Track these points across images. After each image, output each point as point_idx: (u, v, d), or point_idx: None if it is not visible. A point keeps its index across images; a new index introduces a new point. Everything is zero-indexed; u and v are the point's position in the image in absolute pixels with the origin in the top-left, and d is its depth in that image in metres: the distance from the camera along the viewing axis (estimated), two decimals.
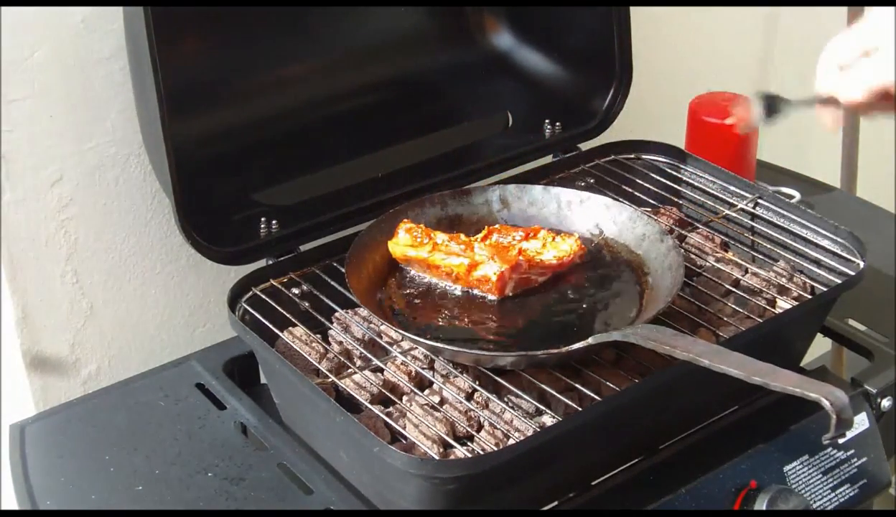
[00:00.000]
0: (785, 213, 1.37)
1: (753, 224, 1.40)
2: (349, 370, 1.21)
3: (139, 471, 1.17)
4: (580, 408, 1.10)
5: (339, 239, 1.32)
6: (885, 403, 1.28)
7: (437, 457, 1.08)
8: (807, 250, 1.33)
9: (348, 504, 1.13)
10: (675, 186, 1.47)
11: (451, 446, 1.11)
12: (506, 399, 1.16)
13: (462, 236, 1.29)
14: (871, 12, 1.07)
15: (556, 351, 1.12)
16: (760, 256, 1.38)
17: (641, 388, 1.12)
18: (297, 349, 1.21)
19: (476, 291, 1.25)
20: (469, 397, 1.17)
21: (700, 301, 1.27)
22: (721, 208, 1.42)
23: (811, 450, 1.22)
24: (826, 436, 0.97)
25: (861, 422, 1.26)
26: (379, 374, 1.21)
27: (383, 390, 1.17)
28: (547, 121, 1.53)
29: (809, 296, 1.27)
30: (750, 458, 1.19)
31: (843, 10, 2.06)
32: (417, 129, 1.48)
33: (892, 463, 1.32)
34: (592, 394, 1.12)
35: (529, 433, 1.09)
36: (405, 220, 1.30)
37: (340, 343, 1.25)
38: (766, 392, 1.04)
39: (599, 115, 1.55)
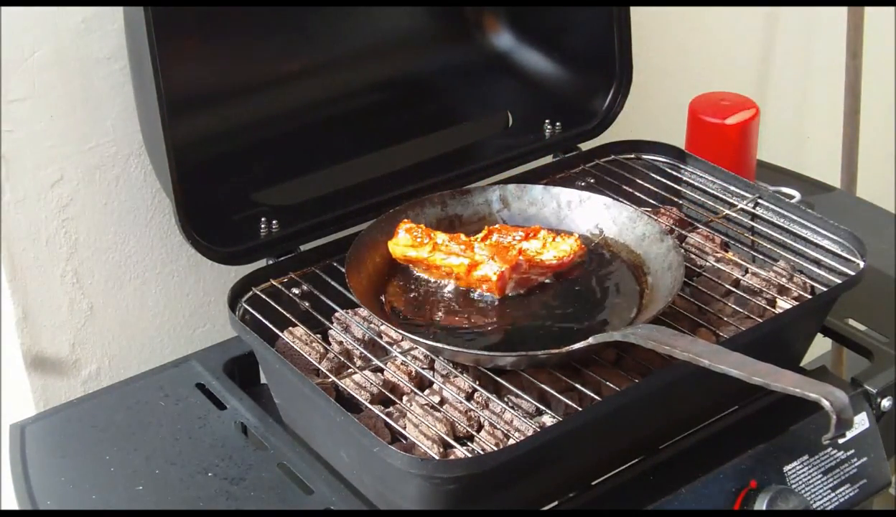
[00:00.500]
0: (785, 212, 1.37)
1: (753, 224, 1.40)
2: (349, 370, 1.21)
3: (139, 471, 1.17)
4: (580, 409, 1.10)
5: (339, 239, 1.32)
6: (885, 403, 1.28)
7: (437, 457, 1.08)
8: (807, 250, 1.33)
9: (348, 504, 1.13)
10: (675, 186, 1.47)
11: (452, 446, 1.11)
12: (506, 399, 1.16)
13: (462, 236, 1.29)
14: None
15: (556, 351, 1.12)
16: (760, 256, 1.37)
17: (641, 388, 1.11)
18: (298, 349, 1.21)
19: (476, 291, 1.25)
20: (469, 397, 1.17)
21: (700, 301, 1.27)
22: (721, 208, 1.42)
23: (811, 450, 1.22)
24: (826, 436, 0.98)
25: (861, 422, 1.26)
26: (379, 374, 1.21)
27: (383, 390, 1.17)
28: (547, 121, 1.53)
29: (809, 297, 1.27)
30: (750, 458, 1.19)
31: (843, 11, 2.06)
32: (417, 129, 1.48)
33: (892, 463, 1.32)
34: (593, 395, 1.12)
35: (529, 433, 1.09)
36: (405, 220, 1.30)
37: (340, 343, 1.24)
38: (766, 392, 1.05)
39: (599, 115, 1.55)
